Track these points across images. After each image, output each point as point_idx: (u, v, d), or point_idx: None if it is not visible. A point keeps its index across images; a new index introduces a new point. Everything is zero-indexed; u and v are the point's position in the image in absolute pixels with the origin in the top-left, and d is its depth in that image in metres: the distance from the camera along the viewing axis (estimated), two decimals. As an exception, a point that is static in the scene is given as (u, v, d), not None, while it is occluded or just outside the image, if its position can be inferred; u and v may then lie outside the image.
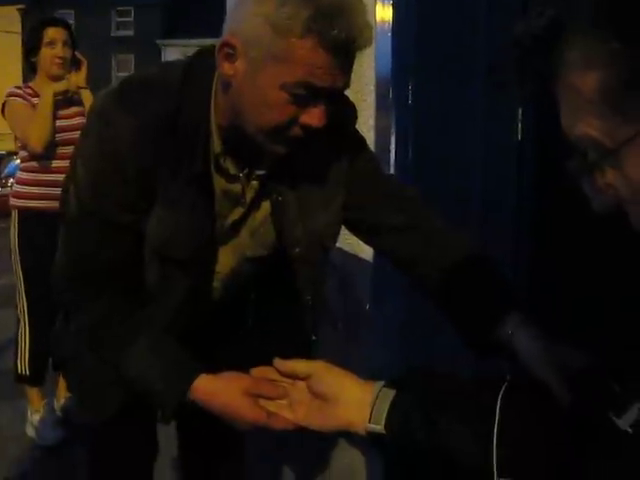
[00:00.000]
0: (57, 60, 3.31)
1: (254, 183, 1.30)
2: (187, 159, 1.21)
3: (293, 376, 1.15)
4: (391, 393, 1.00)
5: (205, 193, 1.26)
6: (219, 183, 1.27)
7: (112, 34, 33.38)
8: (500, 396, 0.90)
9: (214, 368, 1.28)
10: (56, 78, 3.33)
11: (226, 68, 1.13)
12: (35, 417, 3.45)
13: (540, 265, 2.11)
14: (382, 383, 1.03)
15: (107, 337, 1.33)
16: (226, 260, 1.38)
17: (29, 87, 3.36)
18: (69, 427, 3.38)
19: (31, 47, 3.36)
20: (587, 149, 0.68)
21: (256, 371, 1.20)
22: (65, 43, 3.33)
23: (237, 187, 1.29)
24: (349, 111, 1.40)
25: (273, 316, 1.54)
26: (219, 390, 1.23)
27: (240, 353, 1.55)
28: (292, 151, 1.21)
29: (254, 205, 1.34)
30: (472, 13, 2.01)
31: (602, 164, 0.67)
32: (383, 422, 0.99)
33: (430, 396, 0.97)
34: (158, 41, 32.12)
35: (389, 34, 2.06)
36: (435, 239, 1.42)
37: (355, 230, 1.50)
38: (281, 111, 1.12)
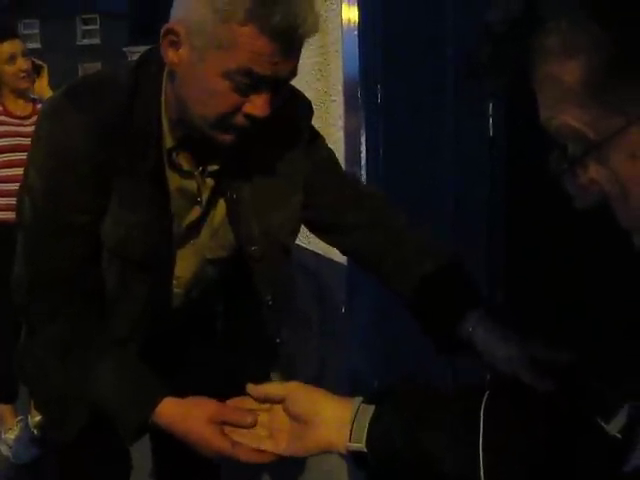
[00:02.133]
0: (21, 74, 3.23)
1: (209, 181, 1.29)
2: (140, 155, 1.20)
3: (268, 400, 1.10)
4: (370, 409, 0.96)
5: (159, 190, 1.24)
6: (174, 180, 1.26)
7: (78, 42, 33.14)
8: (483, 403, 0.87)
9: (181, 380, 1.24)
10: (23, 92, 3.27)
11: (170, 56, 1.12)
12: (9, 435, 3.39)
13: (514, 262, 2.11)
14: (360, 399, 0.99)
15: (70, 357, 1.29)
16: (187, 264, 1.36)
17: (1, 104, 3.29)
18: (44, 444, 3.31)
19: None
20: (568, 143, 0.64)
21: (231, 402, 1.14)
22: (23, 54, 3.25)
23: (192, 184, 1.28)
24: (304, 107, 1.39)
25: (240, 321, 1.52)
26: (182, 416, 1.18)
27: (208, 361, 1.52)
28: (242, 144, 1.20)
29: (212, 204, 1.32)
30: (439, 10, 1.99)
31: (585, 158, 0.63)
32: (364, 440, 0.95)
33: (411, 409, 0.93)
34: (125, 49, 31.91)
35: (355, 33, 2.04)
36: (397, 237, 1.41)
37: (317, 230, 1.48)
38: (224, 100, 1.10)
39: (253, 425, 1.09)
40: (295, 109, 1.34)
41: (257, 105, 1.11)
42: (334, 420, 0.98)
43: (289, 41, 1.08)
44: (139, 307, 1.33)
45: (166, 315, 1.40)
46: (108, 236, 1.24)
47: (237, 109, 1.12)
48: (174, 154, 1.24)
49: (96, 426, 1.43)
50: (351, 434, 0.96)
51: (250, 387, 1.11)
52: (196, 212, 1.31)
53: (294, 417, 1.04)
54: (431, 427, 0.89)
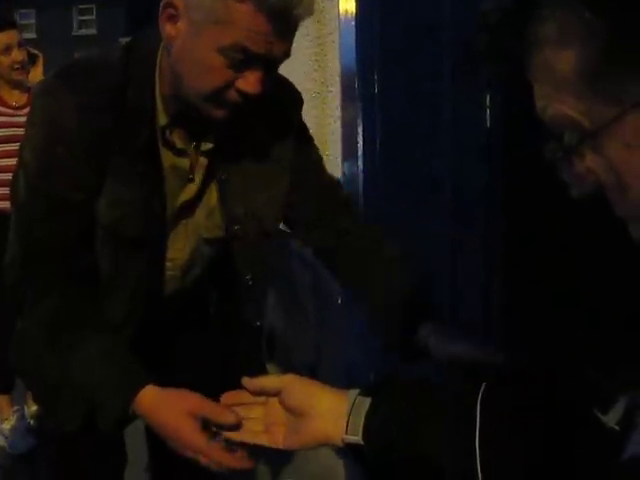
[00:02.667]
0: (16, 65, 3.22)
1: (202, 160, 1.31)
2: (133, 132, 1.22)
3: (264, 393, 1.08)
4: (367, 401, 0.95)
5: (153, 168, 1.26)
6: (167, 157, 1.28)
7: (74, 33, 32.98)
8: (480, 396, 0.86)
9: (174, 368, 1.24)
10: (17, 83, 3.26)
11: (168, 29, 1.15)
12: (5, 425, 3.38)
13: (511, 250, 2.11)
14: (357, 391, 0.98)
15: (58, 336, 1.29)
16: (182, 244, 1.37)
17: None
18: (40, 435, 3.31)
19: None
20: (564, 132, 0.64)
21: (226, 395, 1.12)
22: (19, 45, 3.23)
23: (185, 162, 1.29)
24: (294, 96, 1.43)
25: (234, 307, 1.53)
26: (162, 405, 1.17)
27: (202, 348, 1.52)
28: (234, 125, 1.23)
29: (207, 184, 1.34)
30: (436, 1, 1.99)
31: (581, 148, 0.63)
32: (360, 432, 0.94)
33: (408, 402, 0.92)
34: (121, 39, 31.83)
35: (352, 24, 2.04)
36: (363, 245, 1.46)
37: (294, 226, 1.52)
38: (218, 74, 1.13)
39: (235, 426, 1.07)
40: (286, 97, 1.39)
41: (249, 82, 1.13)
42: (330, 412, 0.98)
43: (284, 21, 1.11)
44: (132, 289, 1.33)
45: (160, 300, 1.40)
46: (103, 214, 1.25)
47: (230, 84, 1.14)
48: (167, 131, 1.25)
49: (92, 418, 1.43)
50: (347, 426, 0.95)
51: (245, 380, 1.09)
52: (190, 191, 1.32)
53: (290, 410, 1.03)
54: (428, 420, 0.89)
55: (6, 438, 3.36)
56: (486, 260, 2.09)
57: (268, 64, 1.15)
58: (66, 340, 1.28)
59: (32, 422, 3.42)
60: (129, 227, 1.27)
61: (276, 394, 1.06)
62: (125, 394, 1.20)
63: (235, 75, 1.13)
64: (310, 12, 1.13)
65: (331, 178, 1.53)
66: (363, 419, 0.94)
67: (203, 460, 1.11)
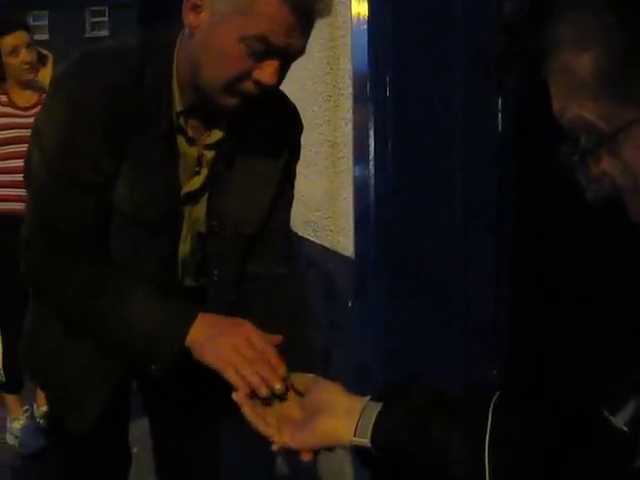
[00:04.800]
0: (25, 67, 3.24)
1: (209, 153, 1.34)
2: (152, 117, 1.25)
3: (292, 389, 1.11)
4: (378, 406, 0.95)
5: (170, 153, 1.29)
6: (181, 144, 1.31)
7: (87, 35, 33.06)
8: (492, 403, 0.86)
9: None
10: (27, 83, 3.27)
11: (191, 18, 1.19)
12: (15, 425, 3.40)
13: (522, 255, 2.10)
14: (368, 397, 0.99)
15: (94, 300, 1.31)
16: (184, 236, 1.39)
17: (5, 94, 3.29)
18: (50, 435, 3.32)
19: None
20: (581, 134, 0.64)
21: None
22: (28, 46, 3.25)
23: (194, 152, 1.33)
24: (297, 124, 1.47)
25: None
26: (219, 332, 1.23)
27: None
28: (240, 127, 1.29)
29: (210, 178, 1.37)
30: (449, 4, 1.98)
31: (598, 150, 0.63)
32: (369, 435, 0.94)
33: (418, 407, 0.92)
34: (133, 41, 31.91)
35: (365, 26, 2.03)
36: (277, 293, 1.48)
37: None
38: (237, 63, 1.17)
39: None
40: (290, 120, 1.45)
41: (266, 72, 1.17)
42: (344, 413, 0.98)
43: (305, 15, 1.15)
44: (152, 273, 1.36)
45: (176, 285, 1.43)
46: (121, 198, 1.27)
47: (247, 74, 1.17)
48: (182, 118, 1.28)
49: (100, 422, 1.44)
50: (357, 429, 0.95)
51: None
52: (195, 183, 1.35)
53: (306, 407, 1.04)
54: (438, 425, 0.88)
55: (16, 438, 3.38)
56: (497, 262, 2.09)
57: (285, 57, 1.19)
58: (110, 292, 1.30)
59: (42, 422, 3.43)
60: (146, 210, 1.29)
61: (302, 393, 1.08)
62: (187, 318, 1.26)
63: (253, 65, 1.17)
64: (329, 10, 1.19)
65: (288, 221, 1.56)
66: (372, 422, 0.94)
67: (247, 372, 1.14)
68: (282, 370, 1.15)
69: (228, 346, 1.19)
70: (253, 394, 1.12)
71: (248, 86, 1.19)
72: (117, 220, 1.30)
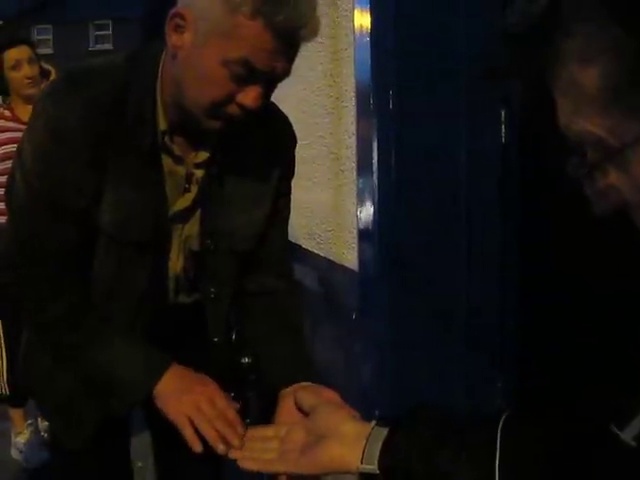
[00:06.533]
0: (27, 81, 3.25)
1: (198, 171, 1.32)
2: (135, 135, 1.24)
3: (299, 407, 1.11)
4: (384, 431, 0.93)
5: (154, 171, 1.28)
6: (167, 163, 1.30)
7: (90, 48, 33.22)
8: (500, 426, 0.84)
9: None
10: (29, 98, 3.28)
11: (174, 39, 1.17)
12: (19, 439, 3.39)
13: (528, 267, 2.10)
14: (374, 422, 0.97)
15: (70, 332, 1.32)
16: (175, 255, 1.38)
17: (9, 109, 3.31)
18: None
19: None
20: (587, 148, 0.63)
21: (253, 430, 1.18)
22: (30, 60, 3.26)
23: (181, 170, 1.31)
24: (291, 137, 1.45)
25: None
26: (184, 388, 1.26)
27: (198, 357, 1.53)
28: (230, 144, 1.28)
29: (201, 197, 1.36)
30: (452, 16, 1.99)
31: (604, 164, 0.62)
32: (376, 462, 0.91)
33: (426, 431, 0.90)
34: (137, 54, 32.02)
35: (367, 39, 2.04)
36: (279, 308, 1.48)
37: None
38: (219, 87, 1.15)
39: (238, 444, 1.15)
40: (283, 134, 1.43)
41: (250, 96, 1.16)
42: (350, 438, 0.96)
43: (290, 41, 1.14)
44: (139, 294, 1.35)
45: (164, 307, 1.42)
46: (106, 218, 1.26)
47: (230, 98, 1.16)
48: (167, 137, 1.27)
49: (100, 437, 1.44)
50: (363, 455, 0.93)
51: (296, 388, 1.17)
52: (185, 201, 1.34)
53: (311, 431, 1.02)
54: (446, 449, 0.86)
55: (21, 452, 3.36)
56: (501, 275, 2.08)
57: (269, 81, 1.17)
58: (84, 331, 1.31)
59: (46, 436, 3.42)
60: (133, 230, 1.28)
61: (308, 412, 1.07)
62: (158, 369, 1.27)
63: (236, 89, 1.15)
64: (314, 35, 1.16)
65: (286, 237, 1.55)
66: (379, 449, 0.92)
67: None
68: (240, 429, 1.19)
69: (190, 403, 1.23)
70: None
71: (232, 109, 1.17)
72: (102, 240, 1.29)
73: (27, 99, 3.29)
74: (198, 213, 1.36)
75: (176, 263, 1.39)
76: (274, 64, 1.14)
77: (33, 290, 1.33)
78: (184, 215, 1.35)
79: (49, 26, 32.46)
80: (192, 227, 1.37)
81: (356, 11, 2.09)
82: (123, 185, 1.25)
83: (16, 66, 3.23)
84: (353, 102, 2.22)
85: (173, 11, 1.15)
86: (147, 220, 1.29)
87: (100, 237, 1.28)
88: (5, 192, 1.32)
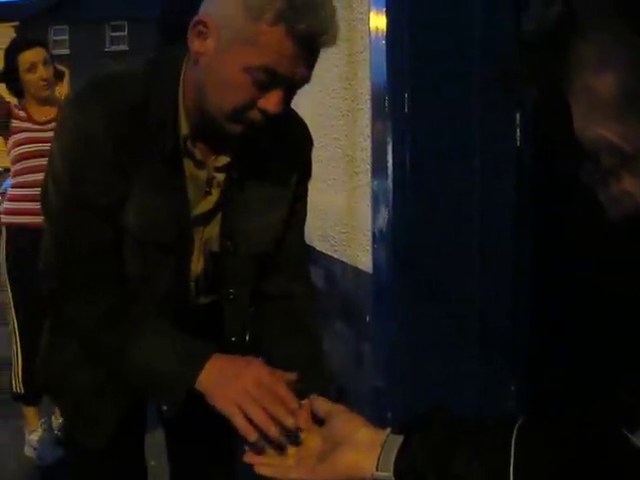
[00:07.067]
0: (42, 83, 3.27)
1: (219, 175, 1.34)
2: (158, 140, 1.26)
3: (314, 413, 1.10)
4: (399, 439, 0.94)
5: (176, 175, 1.30)
6: (188, 167, 1.32)
7: (106, 49, 33.39)
8: (515, 432, 0.84)
9: None
10: (44, 99, 3.31)
11: (196, 45, 1.19)
12: (33, 437, 3.40)
13: (540, 270, 2.09)
14: (389, 430, 0.97)
15: (111, 333, 1.31)
16: (196, 256, 1.40)
17: (24, 109, 3.33)
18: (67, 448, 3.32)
19: (7, 72, 3.31)
20: (601, 154, 0.63)
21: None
22: (45, 62, 3.28)
23: (203, 174, 1.33)
24: (308, 140, 1.48)
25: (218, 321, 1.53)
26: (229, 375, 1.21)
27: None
28: (251, 148, 1.30)
29: (223, 200, 1.38)
30: (467, 20, 1.99)
31: (618, 170, 0.62)
32: (391, 469, 0.92)
33: (440, 437, 0.90)
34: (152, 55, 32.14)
35: (383, 42, 2.04)
36: (296, 311, 1.49)
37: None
38: (241, 92, 1.17)
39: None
40: (300, 137, 1.45)
41: (271, 101, 1.18)
42: (365, 445, 0.96)
43: (311, 47, 1.16)
44: (161, 294, 1.37)
45: (186, 307, 1.43)
46: (131, 221, 1.28)
47: (252, 103, 1.18)
48: (188, 141, 1.29)
49: (116, 435, 1.45)
50: (379, 462, 0.94)
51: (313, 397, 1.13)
52: (206, 204, 1.36)
53: (329, 438, 1.03)
54: (461, 456, 0.87)
55: (34, 449, 3.38)
56: (515, 279, 2.08)
57: (289, 86, 1.19)
58: (122, 330, 1.30)
59: (59, 434, 3.44)
60: (156, 233, 1.30)
61: (322, 419, 1.07)
62: (197, 361, 1.23)
63: (258, 94, 1.17)
64: (334, 41, 1.18)
65: (303, 240, 1.55)
66: (394, 456, 0.92)
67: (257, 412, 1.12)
68: (294, 404, 1.12)
69: (237, 389, 1.16)
70: (263, 446, 1.10)
71: (253, 114, 1.19)
72: (128, 242, 1.31)
73: (41, 101, 3.32)
74: (219, 215, 1.37)
75: (197, 264, 1.40)
76: (295, 70, 1.16)
77: (74, 293, 1.33)
78: (205, 218, 1.37)
79: (65, 27, 32.66)
80: (212, 229, 1.38)
81: (372, 14, 2.10)
82: (147, 189, 1.27)
83: (31, 68, 3.26)
84: (368, 104, 2.22)
85: (196, 18, 1.18)
86: (170, 223, 1.31)
87: (126, 238, 1.30)
88: (40, 197, 1.36)
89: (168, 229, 1.31)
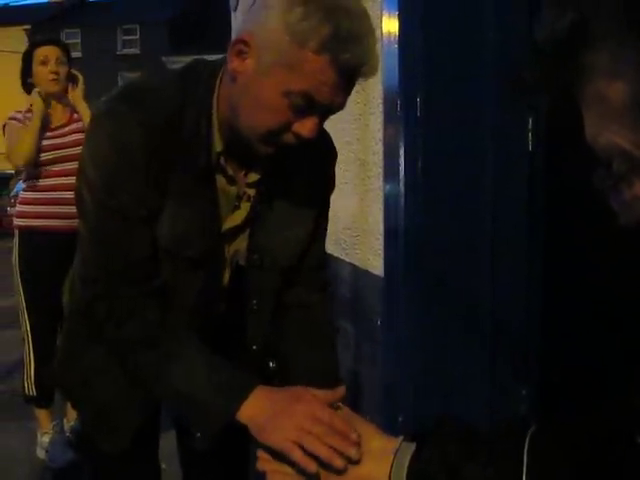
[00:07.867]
0: (51, 76, 3.26)
1: (249, 190, 1.35)
2: (192, 154, 1.25)
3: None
4: (412, 446, 0.94)
5: (208, 189, 1.30)
6: (220, 182, 1.31)
7: (118, 52, 33.55)
8: (527, 439, 0.84)
9: None
10: (51, 96, 3.31)
11: (236, 64, 1.17)
12: (45, 439, 3.42)
13: (552, 273, 2.09)
14: (401, 438, 0.97)
15: (153, 351, 1.28)
16: (224, 269, 1.40)
17: (30, 110, 3.34)
18: (79, 449, 3.34)
19: (24, 68, 3.33)
20: (613, 160, 0.64)
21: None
22: (58, 60, 3.29)
23: (233, 190, 1.33)
24: (332, 152, 1.48)
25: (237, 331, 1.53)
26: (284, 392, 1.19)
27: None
28: (281, 165, 1.30)
29: (252, 215, 1.38)
30: (479, 23, 1.99)
31: (630, 176, 0.63)
32: (404, 477, 0.92)
33: (452, 446, 0.90)
34: (164, 58, 32.28)
35: (396, 46, 2.04)
36: (313, 320, 1.51)
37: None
38: (277, 116, 1.16)
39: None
40: (326, 149, 1.45)
41: (307, 127, 1.17)
42: (378, 453, 0.96)
43: (351, 78, 1.15)
44: (191, 306, 1.37)
45: (215, 319, 1.43)
46: (163, 233, 1.28)
47: (287, 127, 1.17)
48: (222, 157, 1.28)
49: (133, 441, 1.45)
50: (391, 471, 0.94)
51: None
52: (236, 219, 1.36)
53: None
54: (474, 465, 0.87)
55: (46, 451, 3.40)
56: (527, 282, 2.08)
57: (326, 112, 1.19)
58: (161, 350, 1.27)
59: (71, 436, 3.46)
60: (187, 246, 1.30)
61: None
62: (235, 396, 1.19)
63: (294, 118, 1.16)
64: (374, 72, 1.17)
65: (323, 250, 1.56)
66: (407, 464, 0.92)
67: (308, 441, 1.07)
68: (354, 435, 1.06)
69: (293, 427, 1.10)
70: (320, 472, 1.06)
71: (287, 138, 1.19)
72: (159, 253, 1.30)
73: (55, 98, 3.31)
74: (247, 230, 1.38)
75: (224, 276, 1.41)
76: (333, 98, 1.15)
77: (112, 305, 1.31)
78: (235, 232, 1.38)
79: (77, 30, 32.82)
80: (240, 243, 1.39)
81: (384, 17, 2.10)
82: (179, 202, 1.27)
83: (45, 62, 3.27)
84: (380, 108, 2.22)
85: (238, 36, 1.16)
86: (201, 237, 1.31)
87: (158, 250, 1.30)
88: (77, 209, 1.34)
89: (198, 243, 1.31)
